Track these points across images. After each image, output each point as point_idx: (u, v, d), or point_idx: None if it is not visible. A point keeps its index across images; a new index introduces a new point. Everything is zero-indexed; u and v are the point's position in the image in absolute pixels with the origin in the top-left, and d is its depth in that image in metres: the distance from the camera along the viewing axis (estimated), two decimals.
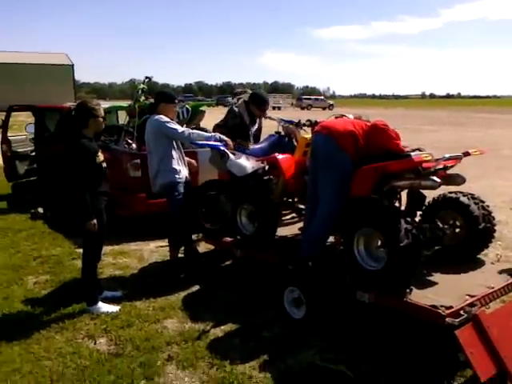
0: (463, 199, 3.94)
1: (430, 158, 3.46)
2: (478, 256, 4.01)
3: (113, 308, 4.04)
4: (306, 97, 57.55)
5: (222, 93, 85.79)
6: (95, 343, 3.54)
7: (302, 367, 3.21)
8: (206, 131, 5.86)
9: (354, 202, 3.62)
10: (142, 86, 7.11)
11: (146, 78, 7.44)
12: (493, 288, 3.42)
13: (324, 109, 49.80)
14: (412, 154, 3.49)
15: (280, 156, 4.50)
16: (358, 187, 3.67)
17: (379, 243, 3.46)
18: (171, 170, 4.63)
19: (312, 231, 3.93)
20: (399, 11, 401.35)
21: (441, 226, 3.88)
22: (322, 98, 58.62)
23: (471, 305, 3.16)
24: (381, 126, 3.72)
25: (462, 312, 3.07)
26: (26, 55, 54.57)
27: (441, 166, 3.64)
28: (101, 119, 4.02)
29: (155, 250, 5.66)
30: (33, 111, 8.58)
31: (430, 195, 4.06)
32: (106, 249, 5.66)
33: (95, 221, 3.88)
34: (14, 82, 48.38)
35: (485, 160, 9.65)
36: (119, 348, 3.46)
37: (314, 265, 3.78)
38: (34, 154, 8.43)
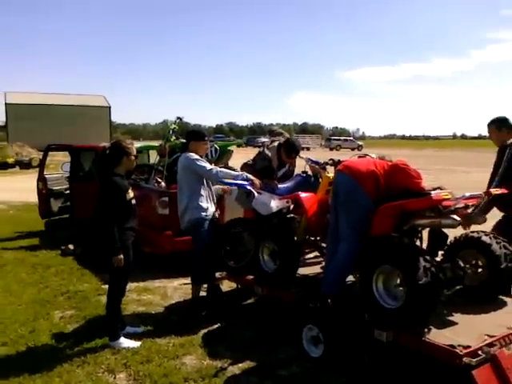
0: (485, 238, 3.89)
1: (449, 196, 3.47)
2: (502, 296, 3.93)
3: (134, 343, 4.10)
4: (335, 137, 57.89)
5: (252, 133, 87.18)
6: (115, 378, 3.60)
7: None
8: (234, 170, 6.02)
9: (374, 240, 3.64)
10: (173, 126, 7.40)
11: (178, 118, 7.74)
12: None
13: (353, 149, 49.87)
14: (432, 192, 3.52)
15: (303, 194, 4.57)
16: (379, 226, 3.69)
17: (398, 281, 3.45)
18: (199, 207, 4.72)
19: (332, 269, 3.94)
20: (429, 52, 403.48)
21: (462, 265, 3.85)
22: (351, 138, 58.96)
23: (490, 345, 3.10)
24: (401, 165, 3.77)
25: (480, 352, 3.02)
26: (66, 97, 57.04)
27: (461, 205, 3.65)
28: (133, 157, 4.20)
29: (179, 288, 5.73)
30: (69, 151, 8.95)
31: (452, 234, 4.04)
32: (131, 285, 5.76)
33: (122, 256, 4.00)
34: (54, 123, 50.39)
35: None
36: (138, 383, 3.49)
37: (333, 303, 3.77)
38: (68, 192, 8.74)
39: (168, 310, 5.03)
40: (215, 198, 5.02)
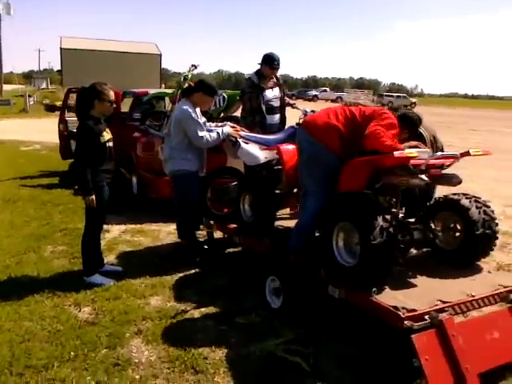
0: (464, 202, 3.68)
1: (415, 154, 3.28)
2: (478, 263, 3.76)
3: (107, 281, 4.25)
4: (387, 93, 55.75)
5: (306, 87, 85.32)
6: (79, 311, 3.75)
7: (261, 355, 3.20)
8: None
9: (338, 196, 3.55)
10: (186, 73, 7.31)
11: (192, 65, 7.60)
12: (473, 296, 3.20)
13: (405, 107, 48.07)
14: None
15: (284, 146, 4.48)
16: (347, 182, 3.58)
17: (357, 240, 3.36)
18: (182, 158, 4.62)
19: (301, 224, 3.89)
20: (498, 3, 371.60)
21: (433, 227, 3.70)
22: (404, 95, 56.45)
23: (440, 310, 2.99)
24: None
25: (426, 317, 2.93)
26: (118, 43, 57.60)
27: (434, 164, 3.47)
28: (107, 103, 4.18)
29: (172, 232, 5.81)
30: None
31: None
32: (128, 227, 5.97)
33: (93, 196, 4.09)
34: (106, 68, 51.05)
35: None
36: (97, 318, 3.64)
37: (294, 257, 3.74)
38: None
39: (154, 253, 5.14)
40: (204, 152, 4.88)
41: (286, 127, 5.24)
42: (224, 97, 6.91)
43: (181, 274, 4.54)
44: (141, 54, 56.57)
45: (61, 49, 54.10)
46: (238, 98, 7.16)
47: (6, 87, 49.15)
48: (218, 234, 5.37)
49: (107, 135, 4.21)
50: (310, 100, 51.73)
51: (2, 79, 44.70)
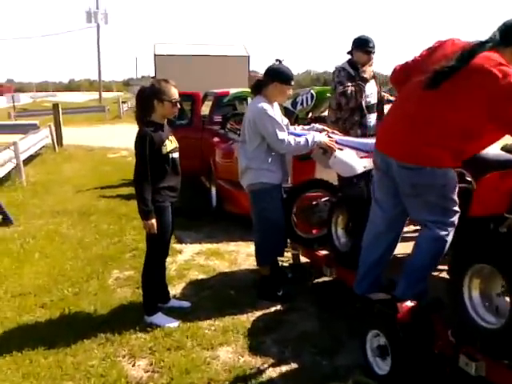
0: None
1: None
2: None
3: (170, 322, 3.52)
4: None
5: None
6: (133, 365, 3.04)
7: None
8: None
9: (470, 225, 2.54)
10: None
11: (277, 60, 6.80)
12: None
13: None
14: None
15: None
16: (481, 203, 2.57)
17: (501, 289, 2.34)
18: (263, 168, 3.76)
19: (415, 266, 2.89)
20: None
21: None
22: None
23: None
24: None
25: None
26: (207, 47, 58.41)
27: None
28: (168, 103, 3.47)
29: (253, 254, 4.94)
30: None
31: None
32: (203, 247, 5.30)
33: (154, 220, 3.41)
34: (196, 72, 51.78)
35: None
36: (152, 378, 2.90)
37: (410, 309, 2.75)
38: None
39: (229, 282, 4.34)
40: (289, 159, 4.06)
41: None
42: (312, 94, 6.03)
43: (259, 313, 3.72)
44: (230, 56, 56.98)
45: (154, 55, 55.97)
46: (327, 94, 6.27)
47: (105, 95, 51.84)
48: (305, 258, 4.50)
49: (171, 144, 3.50)
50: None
51: (100, 87, 47.16)
